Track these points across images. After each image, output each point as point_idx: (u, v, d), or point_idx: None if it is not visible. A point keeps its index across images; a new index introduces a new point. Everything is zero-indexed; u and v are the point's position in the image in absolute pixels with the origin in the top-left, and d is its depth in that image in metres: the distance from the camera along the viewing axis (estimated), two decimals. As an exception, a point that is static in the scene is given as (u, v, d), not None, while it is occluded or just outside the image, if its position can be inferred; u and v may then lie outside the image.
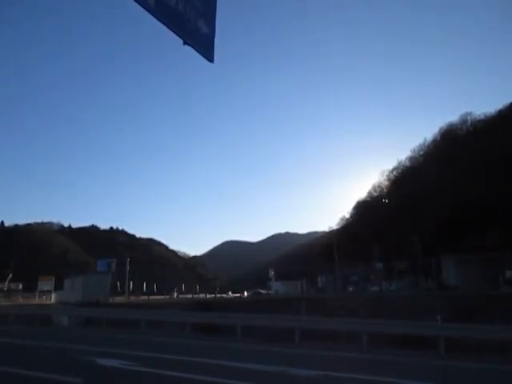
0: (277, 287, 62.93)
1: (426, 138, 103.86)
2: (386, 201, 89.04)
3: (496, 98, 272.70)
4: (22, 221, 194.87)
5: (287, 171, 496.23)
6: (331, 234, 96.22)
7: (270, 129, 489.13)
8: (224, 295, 63.94)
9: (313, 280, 67.63)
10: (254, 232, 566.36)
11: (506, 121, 75.29)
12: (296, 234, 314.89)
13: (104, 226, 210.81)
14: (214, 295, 59.14)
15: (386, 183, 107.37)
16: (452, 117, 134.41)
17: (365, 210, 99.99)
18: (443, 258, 48.55)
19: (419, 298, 31.24)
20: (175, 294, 60.19)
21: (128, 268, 58.92)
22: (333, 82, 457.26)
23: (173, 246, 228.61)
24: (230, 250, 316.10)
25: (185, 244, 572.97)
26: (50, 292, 58.55)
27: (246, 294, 65.56)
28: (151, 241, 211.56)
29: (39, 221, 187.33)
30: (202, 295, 60.12)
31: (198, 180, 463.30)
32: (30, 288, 63.33)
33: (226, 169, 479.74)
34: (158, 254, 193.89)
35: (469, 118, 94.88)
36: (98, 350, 13.19)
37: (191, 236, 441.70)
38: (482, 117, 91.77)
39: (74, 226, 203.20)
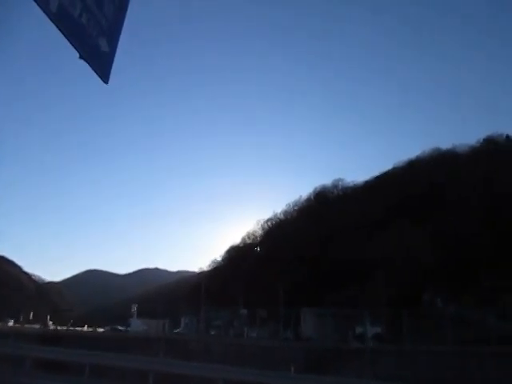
0: (137, 325, 59.95)
1: (301, 196, 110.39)
2: (258, 249, 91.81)
3: (367, 170, 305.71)
4: None
5: (161, 206, 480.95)
6: (201, 275, 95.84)
7: (150, 162, 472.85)
8: (78, 328, 59.13)
9: (176, 320, 65.93)
10: (121, 263, 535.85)
11: (370, 191, 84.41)
12: (165, 271, 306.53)
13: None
14: (66, 328, 54.36)
15: (260, 232, 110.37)
16: (327, 180, 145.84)
17: (236, 255, 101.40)
18: (303, 310, 51.06)
19: (277, 348, 32.10)
20: (11, 322, 54.01)
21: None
22: (222, 125, 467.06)
23: (28, 268, 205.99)
24: (92, 280, 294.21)
25: (42, 268, 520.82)
26: None
27: (102, 329, 61.56)
28: (2, 258, 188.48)
29: None
30: (52, 326, 54.91)
31: (67, 202, 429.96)
32: None
33: (99, 196, 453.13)
34: (8, 274, 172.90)
35: (340, 183, 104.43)
36: None
37: (50, 259, 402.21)
38: (351, 184, 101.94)
39: None
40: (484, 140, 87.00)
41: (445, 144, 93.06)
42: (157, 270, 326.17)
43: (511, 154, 70.95)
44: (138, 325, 59.93)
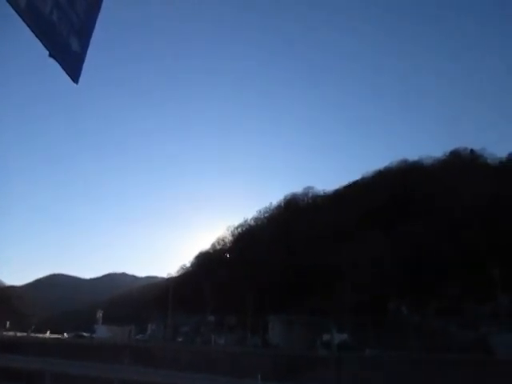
0: (102, 331, 58.57)
1: (271, 203, 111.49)
2: (228, 255, 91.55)
3: (337, 179, 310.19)
4: None
5: (129, 210, 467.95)
6: (169, 281, 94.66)
7: (119, 166, 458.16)
8: (40, 335, 57.31)
9: (143, 326, 64.89)
10: (87, 268, 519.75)
11: (339, 200, 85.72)
12: (133, 276, 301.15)
13: None
14: (26, 334, 52.64)
15: (230, 238, 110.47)
16: (298, 187, 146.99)
17: (206, 261, 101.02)
18: (270, 318, 51.15)
19: (244, 354, 31.97)
20: None
21: None
22: (193, 130, 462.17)
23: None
24: (57, 285, 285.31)
25: (2, 271, 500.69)
26: None
27: (65, 335, 59.93)
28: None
29: None
30: (11, 333, 53.07)
31: (30, 204, 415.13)
32: None
33: (64, 199, 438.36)
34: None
35: (310, 191, 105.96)
36: None
37: (11, 263, 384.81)
38: (321, 193, 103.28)
39: None
40: (450, 153, 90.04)
41: (412, 156, 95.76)
42: (124, 274, 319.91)
43: (475, 167, 73.64)
44: (103, 331, 58.54)
